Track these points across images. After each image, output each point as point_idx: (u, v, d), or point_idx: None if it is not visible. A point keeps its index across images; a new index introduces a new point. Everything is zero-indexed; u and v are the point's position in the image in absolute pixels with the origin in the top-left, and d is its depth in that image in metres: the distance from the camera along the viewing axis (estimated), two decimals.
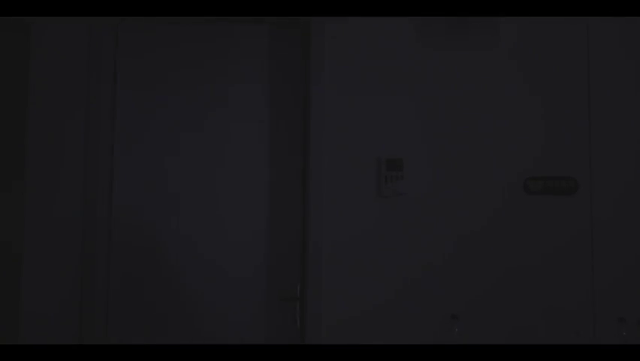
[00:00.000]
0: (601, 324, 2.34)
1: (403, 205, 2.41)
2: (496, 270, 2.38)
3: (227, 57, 2.53)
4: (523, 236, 2.38)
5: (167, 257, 2.48)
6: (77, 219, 2.46)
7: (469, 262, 2.38)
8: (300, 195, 2.48)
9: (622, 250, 2.36)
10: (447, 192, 2.41)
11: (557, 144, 2.41)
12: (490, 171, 2.40)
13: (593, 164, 2.39)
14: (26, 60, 2.48)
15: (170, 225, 2.48)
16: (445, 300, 2.38)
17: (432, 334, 2.36)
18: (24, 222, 2.43)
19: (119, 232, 2.49)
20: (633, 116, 2.41)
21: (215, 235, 2.48)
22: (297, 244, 2.46)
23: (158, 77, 2.53)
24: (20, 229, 2.41)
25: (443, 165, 2.41)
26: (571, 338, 2.33)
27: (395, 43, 2.46)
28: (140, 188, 2.50)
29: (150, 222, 2.49)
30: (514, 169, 2.40)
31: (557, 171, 2.40)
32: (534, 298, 2.36)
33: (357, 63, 2.46)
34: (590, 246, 2.37)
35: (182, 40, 2.54)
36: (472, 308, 2.37)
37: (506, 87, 2.43)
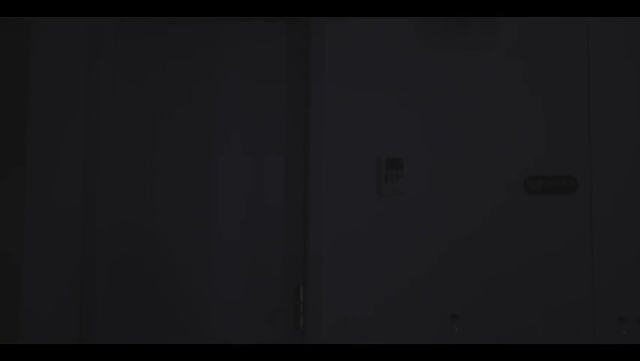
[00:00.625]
0: (601, 323, 2.34)
1: (403, 204, 2.41)
2: (497, 269, 2.38)
3: (227, 57, 2.52)
4: (523, 235, 2.38)
5: (168, 256, 2.48)
6: (77, 219, 2.47)
7: (470, 261, 2.38)
8: (302, 193, 2.47)
9: (622, 249, 2.36)
10: (447, 191, 2.41)
11: (557, 143, 2.41)
12: (490, 170, 2.41)
13: (593, 163, 2.39)
14: (26, 60, 2.48)
15: (172, 224, 2.48)
16: (445, 299, 2.38)
17: (432, 333, 2.36)
18: (24, 221, 2.43)
19: (120, 231, 2.49)
20: (633, 116, 2.41)
21: (219, 235, 2.48)
22: (297, 244, 2.46)
23: (158, 76, 2.53)
24: (20, 228, 2.41)
25: (443, 164, 2.41)
26: (571, 338, 2.33)
27: (395, 43, 2.46)
28: (142, 187, 2.50)
29: (150, 221, 2.49)
30: (514, 168, 2.40)
31: (557, 170, 2.40)
32: (534, 297, 2.36)
33: (357, 63, 2.46)
34: (590, 245, 2.37)
35: (183, 40, 2.54)
36: (473, 308, 2.37)
37: (507, 87, 2.43)
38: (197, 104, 2.51)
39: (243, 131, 2.50)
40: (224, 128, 2.50)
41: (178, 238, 2.47)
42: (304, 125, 2.47)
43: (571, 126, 2.41)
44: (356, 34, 2.47)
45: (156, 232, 2.48)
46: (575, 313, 2.35)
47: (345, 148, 2.43)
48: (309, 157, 2.42)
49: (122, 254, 2.48)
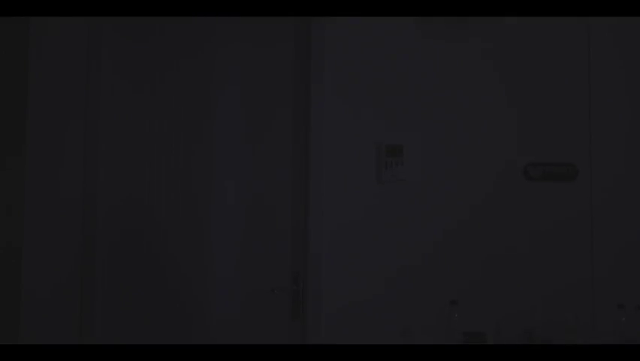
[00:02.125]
0: (600, 310, 2.35)
1: (403, 191, 2.42)
2: (496, 256, 2.39)
3: (227, 55, 2.54)
4: (523, 222, 2.39)
5: (167, 252, 2.48)
6: (77, 218, 2.47)
7: (469, 248, 2.39)
8: (303, 183, 2.48)
9: (621, 236, 2.39)
10: (447, 178, 2.42)
11: (557, 131, 2.43)
12: (490, 157, 2.42)
13: (593, 150, 2.42)
14: (26, 59, 2.48)
15: (171, 220, 2.48)
16: (445, 286, 2.38)
17: (432, 320, 2.37)
18: (24, 220, 2.41)
19: (119, 229, 2.49)
20: (633, 104, 2.44)
21: (219, 230, 2.48)
22: (297, 231, 2.47)
23: (158, 75, 2.54)
24: (20, 226, 2.40)
25: (443, 151, 2.43)
26: (570, 324, 2.33)
27: (395, 32, 2.47)
28: (142, 184, 2.51)
29: (149, 218, 2.49)
30: (514, 155, 2.41)
31: (557, 158, 2.42)
32: (534, 284, 2.37)
33: (357, 52, 2.47)
34: (590, 232, 2.39)
35: (184, 40, 2.55)
36: (472, 294, 2.38)
37: (507, 75, 2.45)
38: (198, 99, 2.52)
39: (244, 126, 2.52)
40: (224, 121, 2.51)
41: (178, 232, 2.48)
42: (304, 115, 2.49)
43: (571, 113, 2.43)
44: (356, 23, 2.48)
45: (155, 224, 2.48)
46: (575, 299, 2.36)
47: (345, 136, 2.44)
48: (310, 145, 2.43)
49: (122, 250, 2.49)
